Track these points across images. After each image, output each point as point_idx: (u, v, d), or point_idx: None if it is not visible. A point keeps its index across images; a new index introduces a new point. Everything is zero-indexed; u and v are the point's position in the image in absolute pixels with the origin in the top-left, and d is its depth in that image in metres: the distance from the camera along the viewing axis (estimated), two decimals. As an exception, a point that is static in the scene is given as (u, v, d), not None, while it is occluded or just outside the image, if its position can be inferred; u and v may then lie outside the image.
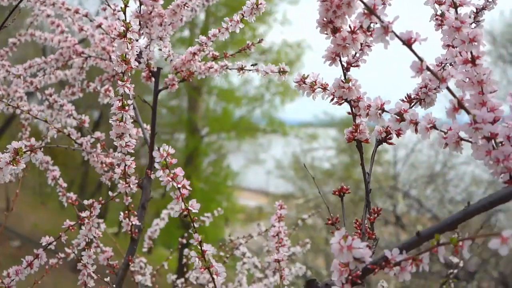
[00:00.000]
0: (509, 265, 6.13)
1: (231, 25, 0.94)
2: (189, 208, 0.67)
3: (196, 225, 0.69)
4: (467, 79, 0.58)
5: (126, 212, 1.01)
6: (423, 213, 6.75)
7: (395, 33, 0.54)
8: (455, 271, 1.16)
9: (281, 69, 0.89)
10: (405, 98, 0.74)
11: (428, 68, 0.54)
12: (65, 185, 1.14)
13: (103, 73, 1.26)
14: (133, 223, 1.02)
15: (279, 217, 1.03)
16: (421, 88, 0.73)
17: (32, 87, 1.21)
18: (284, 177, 10.96)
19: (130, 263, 1.05)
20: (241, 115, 11.67)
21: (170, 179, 0.66)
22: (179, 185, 0.66)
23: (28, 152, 0.70)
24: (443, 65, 0.75)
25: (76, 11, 1.11)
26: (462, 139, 0.58)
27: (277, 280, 1.46)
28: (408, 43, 0.54)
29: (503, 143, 0.55)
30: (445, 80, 0.54)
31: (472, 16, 0.78)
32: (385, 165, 9.36)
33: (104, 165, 1.07)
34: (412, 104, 0.74)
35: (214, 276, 0.69)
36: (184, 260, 1.45)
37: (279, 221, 1.02)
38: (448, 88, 0.54)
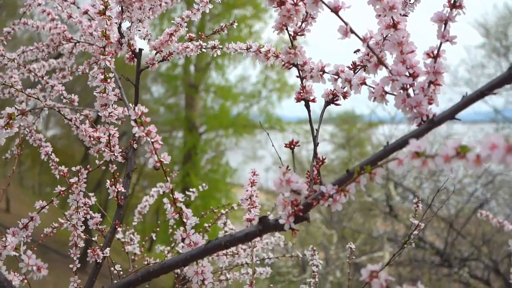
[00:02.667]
0: (501, 253, 6.24)
1: (201, 6, 1.05)
2: (162, 160, 0.78)
3: (168, 177, 0.79)
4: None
5: (112, 179, 1.12)
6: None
7: (324, 2, 0.64)
8: (416, 232, 1.26)
9: (248, 46, 0.99)
10: (351, 64, 0.84)
11: (351, 31, 0.64)
12: (57, 159, 1.24)
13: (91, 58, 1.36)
14: (119, 190, 1.13)
15: (252, 182, 1.13)
16: (364, 55, 0.84)
17: (25, 70, 1.31)
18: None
19: (116, 227, 1.15)
20: (238, 112, 11.78)
21: (145, 134, 0.76)
22: (153, 140, 0.76)
23: (20, 116, 0.80)
24: (384, 36, 0.85)
25: (64, -1, 1.21)
26: (386, 92, 0.68)
27: (259, 249, 1.56)
28: (335, 10, 0.64)
29: (418, 93, 0.66)
30: (366, 40, 0.64)
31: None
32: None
33: (92, 139, 1.18)
34: (357, 70, 0.84)
35: (185, 220, 0.79)
36: None
37: (251, 186, 1.13)
38: (368, 47, 0.65)
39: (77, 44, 1.36)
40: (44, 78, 1.27)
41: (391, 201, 6.47)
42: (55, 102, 1.46)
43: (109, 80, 0.91)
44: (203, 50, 1.12)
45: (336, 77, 0.73)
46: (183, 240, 0.78)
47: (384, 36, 0.73)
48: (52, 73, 1.40)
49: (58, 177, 1.23)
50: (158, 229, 1.58)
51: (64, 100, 1.23)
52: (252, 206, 1.10)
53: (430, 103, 0.65)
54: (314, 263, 1.33)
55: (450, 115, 0.61)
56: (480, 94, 0.59)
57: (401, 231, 7.05)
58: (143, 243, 1.52)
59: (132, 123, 0.76)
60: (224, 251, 1.36)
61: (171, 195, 0.79)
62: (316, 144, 0.78)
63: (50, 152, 1.26)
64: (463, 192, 6.99)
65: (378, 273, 0.52)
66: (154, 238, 1.53)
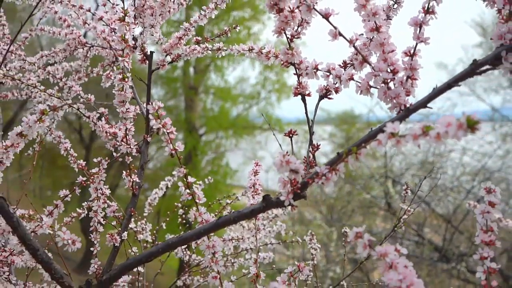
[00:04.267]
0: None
1: (208, 12, 1.17)
2: (176, 148, 0.89)
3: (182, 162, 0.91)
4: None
5: (128, 170, 1.23)
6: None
7: (316, 10, 0.75)
8: (405, 217, 1.37)
9: (250, 48, 1.11)
10: (341, 63, 0.95)
11: (340, 34, 0.75)
12: (75, 154, 1.35)
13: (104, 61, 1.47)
14: (134, 180, 1.24)
15: (255, 172, 1.24)
16: (353, 55, 0.95)
17: (44, 72, 1.42)
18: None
19: (132, 214, 1.26)
20: (238, 113, 11.89)
21: (161, 126, 0.87)
22: (168, 131, 0.88)
23: (52, 112, 0.91)
24: (370, 38, 0.96)
25: (81, 7, 1.33)
26: (370, 86, 0.80)
27: (262, 237, 1.67)
28: (326, 16, 0.75)
29: (397, 86, 0.77)
30: (352, 42, 0.75)
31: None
32: (381, 159, 9.62)
33: (108, 134, 1.29)
34: (347, 67, 0.95)
35: (197, 201, 0.90)
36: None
37: (254, 175, 1.24)
38: (355, 47, 0.76)
39: (91, 48, 1.47)
40: (63, 80, 1.38)
41: (390, 198, 6.58)
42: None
43: (127, 79, 1.02)
44: (209, 51, 1.24)
45: (328, 73, 0.84)
46: (195, 219, 0.89)
47: (370, 38, 0.84)
48: (69, 75, 1.51)
49: (77, 170, 1.34)
50: (168, 219, 1.69)
51: (81, 100, 1.34)
52: (256, 193, 1.21)
53: (407, 95, 0.76)
54: (313, 246, 1.44)
55: (423, 104, 0.72)
56: (447, 86, 0.70)
57: (400, 228, 7.16)
58: (154, 231, 1.63)
59: (150, 116, 0.87)
60: (230, 237, 1.47)
61: (184, 179, 0.91)
62: (311, 133, 0.89)
63: (69, 148, 1.37)
64: (460, 189, 7.10)
65: (361, 234, 0.63)
66: (164, 227, 1.64)
